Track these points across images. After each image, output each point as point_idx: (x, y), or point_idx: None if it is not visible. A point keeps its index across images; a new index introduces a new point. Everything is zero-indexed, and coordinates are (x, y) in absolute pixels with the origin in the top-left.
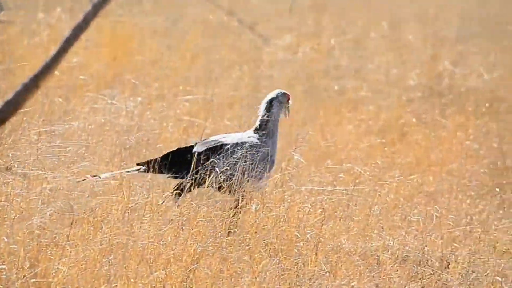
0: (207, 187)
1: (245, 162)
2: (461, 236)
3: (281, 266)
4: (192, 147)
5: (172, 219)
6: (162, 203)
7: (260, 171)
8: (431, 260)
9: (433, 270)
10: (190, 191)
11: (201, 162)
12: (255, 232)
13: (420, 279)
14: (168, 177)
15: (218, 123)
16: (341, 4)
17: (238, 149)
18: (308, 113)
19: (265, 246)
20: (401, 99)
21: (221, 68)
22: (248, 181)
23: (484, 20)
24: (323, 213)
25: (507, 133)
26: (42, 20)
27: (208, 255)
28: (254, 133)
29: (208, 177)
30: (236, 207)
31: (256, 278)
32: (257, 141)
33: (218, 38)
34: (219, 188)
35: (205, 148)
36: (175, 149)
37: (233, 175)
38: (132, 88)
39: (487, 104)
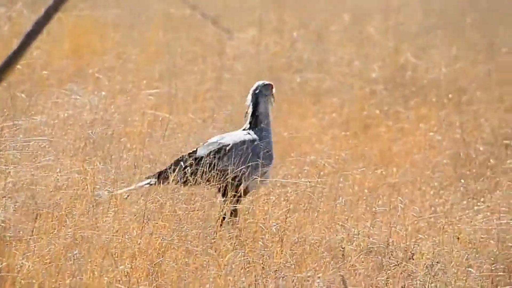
0: (211, 187)
1: (249, 159)
2: (425, 227)
3: (247, 258)
4: (195, 152)
5: (137, 213)
6: (127, 197)
7: (264, 166)
8: (396, 251)
9: (397, 261)
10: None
11: (207, 165)
12: (221, 225)
13: (385, 270)
14: (178, 184)
15: (182, 116)
16: None
17: (240, 147)
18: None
19: (230, 239)
20: (364, 91)
21: (184, 61)
22: (253, 177)
23: (445, 13)
24: (288, 205)
25: (469, 124)
26: (3, 14)
27: (174, 248)
28: (249, 129)
29: (215, 179)
30: (236, 202)
31: (221, 271)
32: (256, 137)
33: (181, 32)
34: (223, 187)
35: (209, 151)
36: (179, 156)
37: (239, 174)
38: (96, 82)
39: (449, 95)
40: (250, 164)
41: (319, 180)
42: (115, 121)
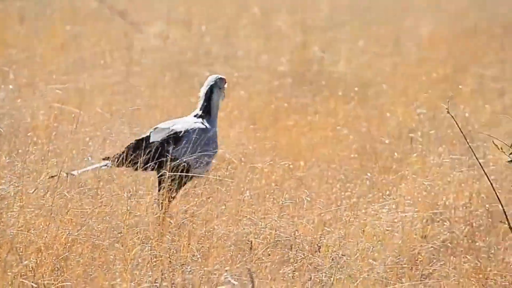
0: (161, 175)
1: (199, 147)
2: (332, 220)
3: (154, 252)
4: (149, 137)
5: (43, 208)
6: (33, 192)
7: (210, 155)
8: (302, 244)
9: (304, 254)
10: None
11: (160, 151)
12: (127, 219)
13: (291, 263)
14: (130, 168)
15: (90, 110)
16: None
17: (191, 135)
18: (179, 100)
19: (137, 233)
20: (272, 85)
21: (92, 55)
22: (200, 165)
23: (352, 8)
24: (196, 199)
25: (375, 118)
26: None
27: (80, 243)
28: (198, 118)
29: (166, 165)
30: (177, 190)
31: (128, 265)
32: (207, 125)
33: (88, 25)
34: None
35: (162, 137)
36: (133, 141)
37: (190, 161)
38: (2, 76)
39: (356, 88)
40: (200, 152)
41: (226, 173)
42: (21, 115)
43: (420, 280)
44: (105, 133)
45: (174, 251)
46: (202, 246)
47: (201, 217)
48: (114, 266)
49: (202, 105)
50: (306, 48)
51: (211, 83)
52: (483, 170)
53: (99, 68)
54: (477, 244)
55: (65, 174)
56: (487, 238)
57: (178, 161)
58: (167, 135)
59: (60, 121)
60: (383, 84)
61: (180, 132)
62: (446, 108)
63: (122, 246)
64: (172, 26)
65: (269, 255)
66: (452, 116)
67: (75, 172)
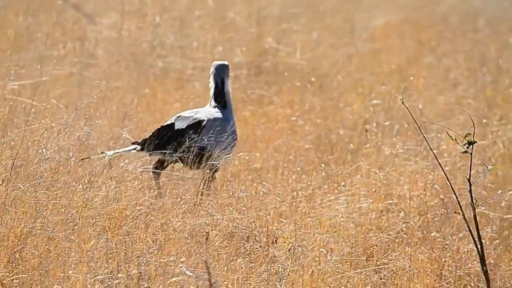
0: (187, 163)
1: (220, 134)
2: (288, 211)
3: (109, 244)
4: (173, 124)
5: None
6: None
7: (231, 143)
8: (259, 236)
9: (260, 246)
10: (166, 166)
11: (184, 138)
12: (83, 211)
13: (248, 254)
14: (156, 154)
15: (45, 101)
16: None
17: (214, 123)
18: (135, 91)
19: (93, 225)
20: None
21: (45, 46)
22: (222, 153)
23: None
24: (153, 191)
25: (330, 109)
26: None
27: (35, 235)
28: (216, 108)
29: (191, 152)
30: (207, 177)
31: (84, 257)
32: (226, 115)
33: (40, 16)
34: (196, 162)
35: (186, 125)
36: (159, 127)
37: (211, 149)
38: None
39: (313, 79)
40: (222, 140)
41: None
42: None
43: (375, 271)
44: (60, 125)
45: (130, 243)
46: (158, 238)
47: (157, 209)
48: (69, 258)
49: (216, 97)
50: (261, 39)
51: (221, 74)
52: (437, 161)
53: (53, 60)
54: (432, 234)
55: (100, 153)
56: (442, 229)
57: (202, 147)
58: (190, 123)
59: (15, 113)
60: (338, 75)
61: (203, 120)
62: (401, 99)
63: (78, 238)
64: (126, 17)
65: (226, 246)
66: (407, 107)
67: (109, 152)
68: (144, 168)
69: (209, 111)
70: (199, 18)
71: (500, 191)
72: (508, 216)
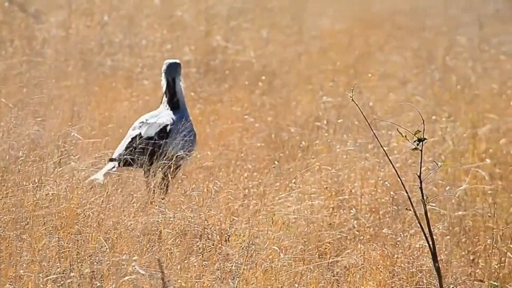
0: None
1: (183, 137)
2: (240, 209)
3: (61, 243)
4: (140, 134)
5: None
6: None
7: (193, 142)
8: (212, 234)
9: (213, 244)
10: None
11: (155, 146)
12: (34, 210)
13: (201, 252)
14: (134, 168)
15: None
16: None
17: (176, 126)
18: (83, 90)
19: (44, 224)
20: None
21: None
22: (188, 154)
23: None
24: (105, 190)
25: (280, 107)
26: None
27: None
28: (172, 109)
29: (161, 159)
30: (163, 179)
31: (36, 257)
32: (181, 115)
33: None
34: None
35: (154, 132)
36: (129, 138)
37: (181, 153)
38: None
39: (262, 77)
40: (185, 142)
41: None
42: None
43: (328, 268)
44: (10, 124)
45: (82, 242)
46: (110, 237)
47: (109, 208)
48: (21, 258)
49: (168, 97)
50: (210, 37)
51: (172, 73)
52: (388, 158)
53: (1, 59)
54: (383, 231)
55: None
56: (393, 226)
57: (172, 153)
58: (157, 129)
59: None
60: (287, 73)
61: (168, 125)
62: (351, 96)
63: (29, 237)
64: (74, 15)
65: (178, 245)
66: (357, 104)
67: (98, 176)
68: (96, 167)
69: (168, 114)
70: (147, 17)
71: (449, 188)
72: (459, 212)
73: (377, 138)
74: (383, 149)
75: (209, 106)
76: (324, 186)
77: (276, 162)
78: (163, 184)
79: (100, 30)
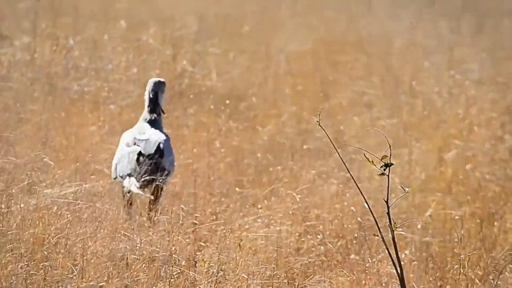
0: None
1: (170, 153)
2: (208, 235)
3: (28, 270)
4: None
5: None
6: None
7: (174, 159)
8: (179, 259)
9: (180, 269)
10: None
11: (157, 163)
12: (0, 237)
13: (168, 278)
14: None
15: None
16: (76, 4)
17: (165, 143)
18: (50, 114)
19: (11, 250)
20: (142, 98)
21: None
22: (173, 171)
23: (221, 21)
24: (71, 215)
25: (246, 131)
26: None
27: None
28: (152, 125)
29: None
30: (155, 199)
31: (2, 284)
32: (163, 131)
33: None
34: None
35: (153, 149)
36: (134, 155)
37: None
38: None
39: (228, 101)
40: (172, 160)
41: (102, 189)
42: None
43: None
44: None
45: (50, 268)
46: (78, 263)
47: (76, 234)
48: None
49: (151, 109)
50: (176, 61)
51: (156, 88)
52: (355, 183)
53: None
54: (351, 257)
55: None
56: (361, 251)
57: (166, 170)
58: (155, 147)
59: None
60: (253, 97)
61: (161, 142)
62: (317, 121)
63: None
64: (39, 39)
65: (146, 271)
66: (323, 129)
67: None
68: (63, 195)
69: (154, 130)
70: (112, 40)
71: (416, 213)
72: (426, 238)
73: (344, 163)
74: (350, 174)
75: (175, 131)
76: (290, 212)
77: (245, 187)
78: (152, 204)
79: (66, 54)
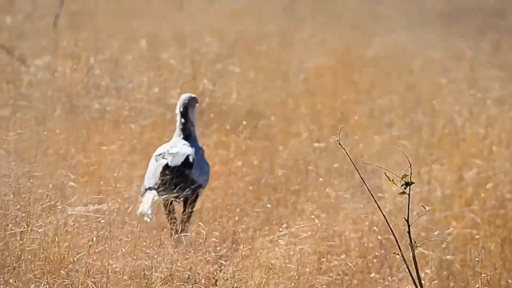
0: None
1: (202, 166)
2: (228, 253)
3: None
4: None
5: None
6: None
7: (208, 172)
8: (199, 278)
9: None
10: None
11: (184, 176)
12: (20, 254)
13: None
14: (168, 197)
15: None
16: (97, 24)
17: (197, 156)
18: (70, 133)
19: (32, 269)
20: (164, 118)
21: None
22: (205, 183)
23: (241, 39)
24: (92, 234)
25: (266, 150)
26: None
27: None
28: (186, 139)
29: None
30: (185, 211)
31: None
32: (196, 145)
33: None
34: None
35: (181, 161)
36: (160, 167)
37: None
38: None
39: (245, 121)
40: (202, 171)
41: (122, 208)
42: None
43: None
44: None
45: (70, 287)
46: (98, 281)
47: (98, 252)
48: None
49: (183, 126)
50: (196, 80)
51: (186, 103)
52: (375, 202)
53: None
54: (372, 275)
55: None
56: (382, 270)
57: (196, 182)
58: (183, 159)
59: None
60: (272, 116)
61: (190, 155)
62: (337, 140)
63: (17, 282)
64: (60, 59)
65: None
66: (343, 148)
67: (148, 212)
68: (84, 214)
69: (185, 144)
70: (133, 60)
71: (437, 232)
72: (447, 257)
73: (364, 182)
74: (370, 193)
75: None
76: (313, 231)
77: (267, 206)
78: (185, 215)
79: (87, 73)
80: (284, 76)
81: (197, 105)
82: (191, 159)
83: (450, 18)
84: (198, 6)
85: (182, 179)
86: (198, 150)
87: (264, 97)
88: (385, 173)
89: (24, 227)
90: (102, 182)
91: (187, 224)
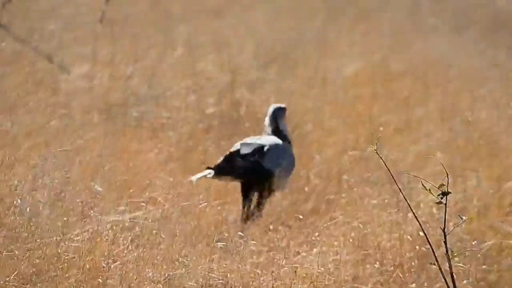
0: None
1: (280, 159)
2: (264, 262)
3: None
4: (238, 151)
5: None
6: None
7: (290, 169)
8: (235, 286)
9: None
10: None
11: (249, 162)
12: (56, 262)
13: None
14: (225, 179)
15: (17, 153)
16: (135, 31)
17: (274, 148)
18: (109, 141)
19: (68, 277)
20: (201, 126)
21: (16, 96)
22: (281, 176)
23: (278, 47)
24: (128, 242)
25: (302, 158)
26: None
27: None
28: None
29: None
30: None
31: None
32: (286, 142)
33: (12, 66)
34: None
35: (252, 149)
36: (228, 153)
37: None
38: None
39: None
40: (282, 164)
41: (158, 216)
42: None
43: None
44: (36, 175)
45: None
46: None
47: (133, 260)
48: None
49: (272, 130)
50: (233, 88)
51: (275, 113)
52: (412, 211)
53: (24, 110)
54: (408, 286)
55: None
56: (418, 280)
57: (266, 169)
58: (254, 148)
59: None
60: (309, 124)
61: (266, 145)
62: (374, 149)
63: None
64: (98, 67)
65: None
66: (380, 157)
67: (193, 178)
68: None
69: (270, 137)
70: (170, 67)
71: (474, 242)
72: (484, 266)
73: (401, 191)
74: (407, 202)
75: None
76: (349, 240)
77: (300, 216)
78: (257, 202)
79: (125, 81)
80: (321, 84)
81: (286, 114)
82: (265, 148)
83: (491, 29)
84: (236, 13)
85: (252, 167)
86: (286, 147)
87: (301, 105)
88: (421, 182)
89: (60, 236)
90: (138, 190)
91: (256, 210)
